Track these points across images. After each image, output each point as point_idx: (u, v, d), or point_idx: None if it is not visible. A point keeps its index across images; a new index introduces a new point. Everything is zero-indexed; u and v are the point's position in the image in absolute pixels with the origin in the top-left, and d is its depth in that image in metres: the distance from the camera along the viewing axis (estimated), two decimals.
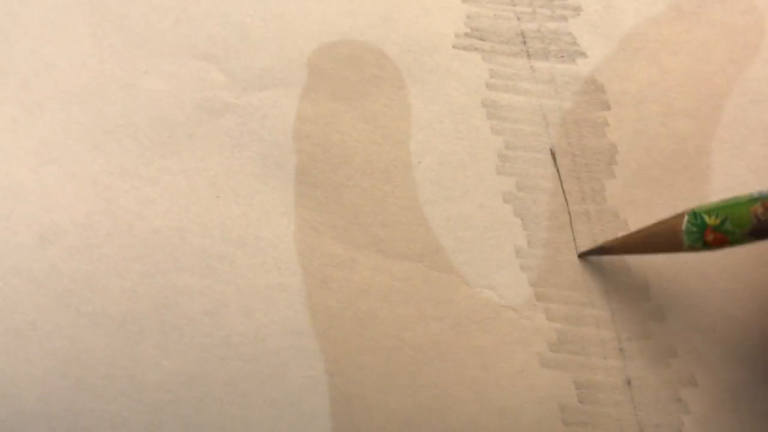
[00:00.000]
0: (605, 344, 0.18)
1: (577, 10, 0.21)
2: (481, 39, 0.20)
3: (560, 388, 0.18)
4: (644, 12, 0.21)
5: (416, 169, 0.19)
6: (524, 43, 0.20)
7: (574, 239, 0.19)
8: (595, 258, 0.19)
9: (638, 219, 0.19)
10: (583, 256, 0.19)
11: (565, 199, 0.19)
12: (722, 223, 0.16)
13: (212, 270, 0.19)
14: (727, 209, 0.16)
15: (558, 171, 0.19)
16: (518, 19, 0.21)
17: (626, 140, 0.20)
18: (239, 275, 0.19)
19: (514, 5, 0.21)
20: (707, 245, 0.16)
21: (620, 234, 0.19)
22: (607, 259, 0.19)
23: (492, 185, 0.19)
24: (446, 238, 0.19)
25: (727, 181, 0.19)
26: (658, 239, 0.17)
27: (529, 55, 0.20)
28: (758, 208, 0.16)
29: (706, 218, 0.16)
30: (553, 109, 0.20)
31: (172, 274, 0.18)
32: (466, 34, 0.20)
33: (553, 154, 0.20)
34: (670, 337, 0.19)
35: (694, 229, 0.16)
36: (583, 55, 0.20)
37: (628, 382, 0.18)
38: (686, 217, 0.16)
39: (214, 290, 0.18)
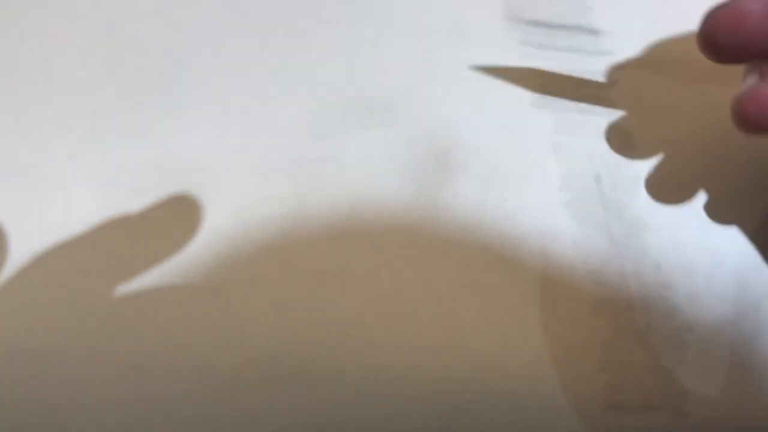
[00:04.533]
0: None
1: (614, 83, 0.31)
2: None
3: (603, 329, 0.28)
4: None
5: None
6: (578, 103, 0.31)
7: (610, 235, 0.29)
8: None
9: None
10: None
11: (603, 206, 0.29)
12: None
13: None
14: None
15: (599, 190, 0.29)
16: None
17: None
18: None
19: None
20: None
21: None
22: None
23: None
24: None
25: None
26: None
27: (581, 112, 0.30)
28: None
29: None
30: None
31: None
32: (539, 97, 0.31)
33: (597, 179, 0.30)
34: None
35: None
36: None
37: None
38: None
39: None
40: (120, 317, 0.27)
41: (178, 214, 0.28)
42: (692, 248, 0.28)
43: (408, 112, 0.30)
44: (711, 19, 0.19)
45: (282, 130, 0.29)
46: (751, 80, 0.20)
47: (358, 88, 0.30)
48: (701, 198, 0.29)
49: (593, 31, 0.31)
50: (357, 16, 0.32)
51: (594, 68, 0.31)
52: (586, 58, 0.31)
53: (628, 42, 0.31)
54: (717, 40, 0.19)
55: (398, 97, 0.30)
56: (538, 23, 0.31)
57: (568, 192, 0.29)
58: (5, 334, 0.27)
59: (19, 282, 0.27)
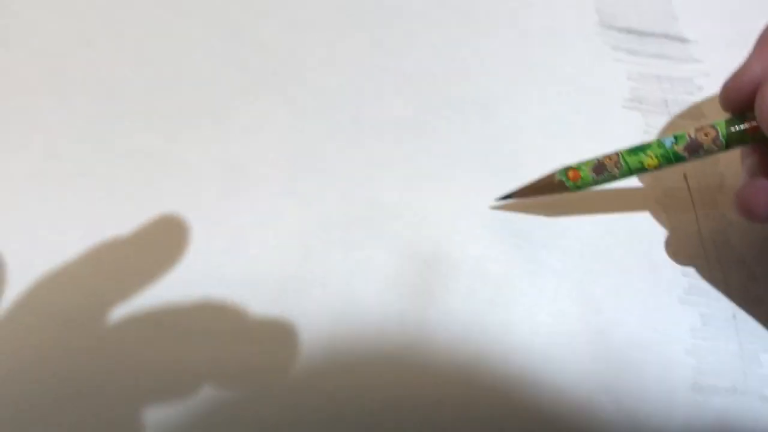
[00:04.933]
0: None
1: (701, 88, 0.33)
2: (640, 103, 0.33)
3: (691, 316, 0.30)
4: None
5: None
6: (666, 106, 0.32)
7: (699, 228, 0.31)
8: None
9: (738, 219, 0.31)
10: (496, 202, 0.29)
11: (692, 202, 0.31)
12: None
13: None
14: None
15: (688, 186, 0.31)
16: (663, 91, 0.33)
17: (730, 170, 0.32)
18: None
19: (660, 83, 0.33)
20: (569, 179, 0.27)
21: None
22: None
23: (649, 193, 0.31)
24: None
25: None
26: (545, 184, 0.27)
27: (669, 115, 0.32)
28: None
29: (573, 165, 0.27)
30: None
31: None
32: (630, 100, 0.33)
33: (685, 177, 0.31)
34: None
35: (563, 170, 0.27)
36: (704, 116, 0.32)
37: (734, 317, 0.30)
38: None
39: None
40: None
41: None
42: None
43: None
44: (745, 202, 0.25)
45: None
46: None
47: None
48: None
49: (681, 40, 0.33)
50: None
51: (683, 75, 0.33)
52: (675, 65, 0.33)
53: (715, 51, 0.33)
54: (756, 213, 0.25)
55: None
56: (629, 30, 0.33)
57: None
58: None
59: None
